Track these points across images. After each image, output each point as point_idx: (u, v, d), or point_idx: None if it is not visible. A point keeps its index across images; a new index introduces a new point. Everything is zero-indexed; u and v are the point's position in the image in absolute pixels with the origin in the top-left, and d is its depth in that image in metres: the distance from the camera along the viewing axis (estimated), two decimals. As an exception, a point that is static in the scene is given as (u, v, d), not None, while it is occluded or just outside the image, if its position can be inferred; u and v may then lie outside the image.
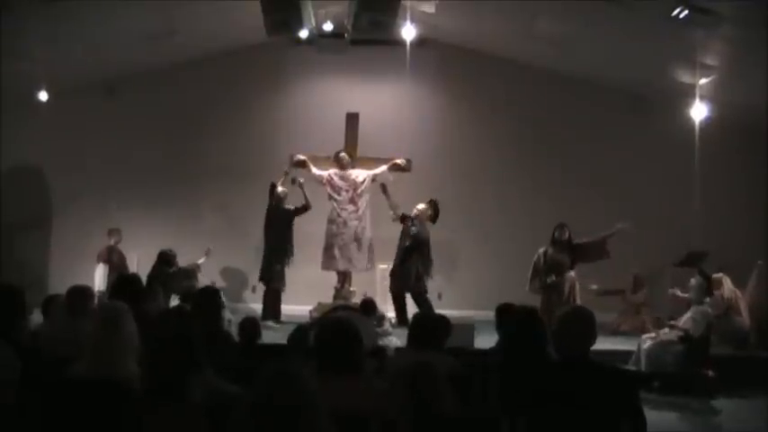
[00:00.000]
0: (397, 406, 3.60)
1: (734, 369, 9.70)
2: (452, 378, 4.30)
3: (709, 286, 10.44)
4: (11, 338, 3.82)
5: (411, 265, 12.40)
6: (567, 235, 11.86)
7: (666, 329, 10.24)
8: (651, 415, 8.13)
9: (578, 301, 11.16)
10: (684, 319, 10.09)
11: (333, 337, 4.00)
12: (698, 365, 9.66)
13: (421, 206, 12.62)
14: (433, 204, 12.67)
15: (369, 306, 8.81)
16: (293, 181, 12.77)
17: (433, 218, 12.69)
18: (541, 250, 11.89)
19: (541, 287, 11.69)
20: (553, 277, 11.62)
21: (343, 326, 4.09)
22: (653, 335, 10.30)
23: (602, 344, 9.00)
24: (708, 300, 10.26)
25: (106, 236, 13.41)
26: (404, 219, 12.64)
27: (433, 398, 3.61)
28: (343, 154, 12.87)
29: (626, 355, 10.07)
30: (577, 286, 11.71)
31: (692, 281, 10.50)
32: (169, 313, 5.54)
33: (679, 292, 11.57)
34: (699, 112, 12.37)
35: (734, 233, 13.22)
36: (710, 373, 9.56)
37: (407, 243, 12.51)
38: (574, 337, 4.17)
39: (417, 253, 12.44)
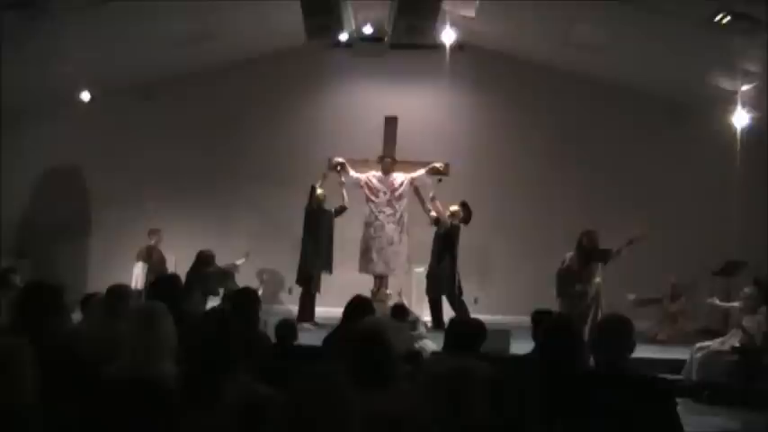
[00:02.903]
0: (430, 411, 3.59)
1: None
2: (487, 384, 4.28)
3: (767, 295, 10.19)
4: (38, 337, 3.82)
5: (445, 268, 12.41)
6: (594, 242, 11.65)
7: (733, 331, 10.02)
8: (705, 426, 8.09)
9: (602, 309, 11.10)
10: (736, 329, 9.96)
11: (361, 346, 3.99)
12: (752, 377, 9.49)
13: (453, 208, 12.61)
14: (465, 206, 12.65)
15: (400, 311, 8.74)
16: (335, 166, 12.82)
17: (466, 219, 12.66)
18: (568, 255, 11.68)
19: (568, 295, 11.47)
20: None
21: (371, 334, 4.07)
22: (708, 343, 10.09)
23: (645, 353, 8.99)
24: (763, 308, 10.03)
25: (146, 236, 13.50)
26: (437, 221, 12.65)
27: (470, 404, 3.60)
28: (387, 159, 12.88)
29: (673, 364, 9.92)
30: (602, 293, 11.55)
31: (746, 290, 10.29)
32: (211, 314, 5.56)
33: (717, 302, 11.44)
34: (740, 119, 12.24)
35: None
36: (765, 385, 9.37)
37: (440, 246, 12.53)
38: (612, 346, 4.14)
39: (450, 255, 12.44)
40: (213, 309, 6.51)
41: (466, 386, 3.63)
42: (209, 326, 4.06)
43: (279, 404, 3.05)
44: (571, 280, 11.19)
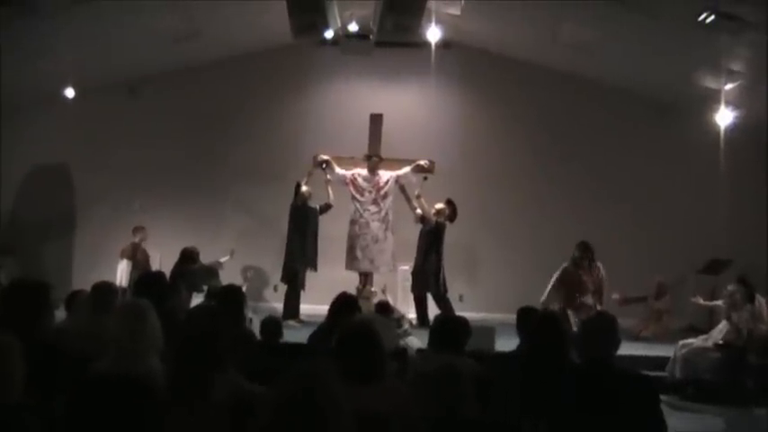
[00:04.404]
0: (419, 408, 3.60)
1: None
2: (473, 381, 4.30)
3: (751, 293, 10.22)
4: (25, 335, 3.81)
5: (431, 266, 12.44)
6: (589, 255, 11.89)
7: (721, 325, 10.07)
8: (689, 423, 8.13)
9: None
10: (721, 326, 10.01)
11: (353, 343, 4.00)
12: (736, 373, 9.53)
13: (439, 206, 12.64)
14: (451, 204, 12.67)
15: (384, 308, 8.76)
16: (320, 164, 12.80)
17: (451, 217, 12.69)
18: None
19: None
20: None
21: (363, 331, 4.08)
22: (692, 340, 10.13)
23: (629, 350, 9.03)
24: (748, 306, 10.06)
25: (130, 234, 13.44)
26: (423, 219, 12.67)
27: (457, 401, 3.61)
28: (374, 157, 12.87)
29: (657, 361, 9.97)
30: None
31: (729, 287, 10.33)
32: (198, 311, 5.56)
33: (701, 300, 11.47)
34: (724, 117, 12.30)
35: (759, 241, 13.07)
36: (749, 382, 9.43)
37: (426, 243, 12.56)
38: (597, 343, 4.17)
39: (435, 253, 12.48)
40: (199, 306, 6.51)
41: (453, 383, 3.65)
42: (198, 322, 4.06)
43: (268, 401, 3.05)
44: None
